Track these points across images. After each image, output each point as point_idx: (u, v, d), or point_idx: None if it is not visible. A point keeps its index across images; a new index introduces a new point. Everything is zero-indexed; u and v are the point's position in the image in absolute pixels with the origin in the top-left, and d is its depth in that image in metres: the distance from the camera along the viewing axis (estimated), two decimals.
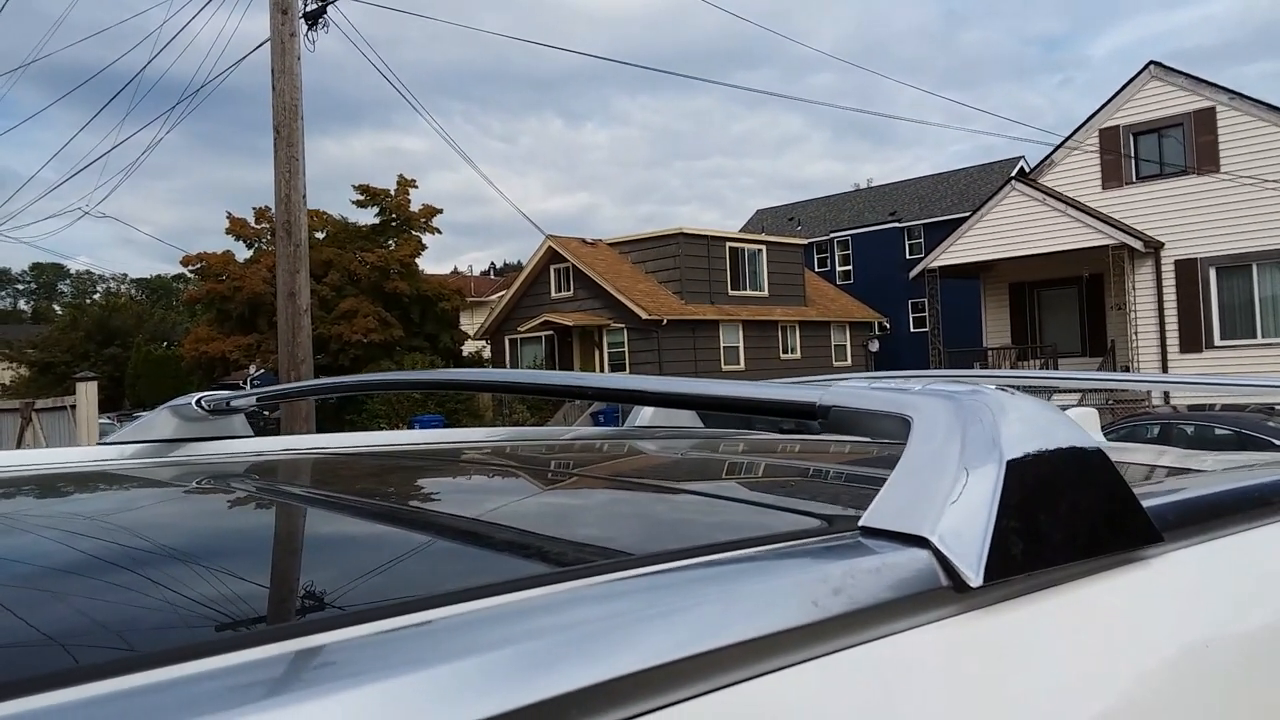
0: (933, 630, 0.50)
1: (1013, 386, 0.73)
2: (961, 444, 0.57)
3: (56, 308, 67.67)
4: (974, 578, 0.51)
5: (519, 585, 0.46)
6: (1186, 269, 18.18)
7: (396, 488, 1.06)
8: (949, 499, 0.54)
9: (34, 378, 32.62)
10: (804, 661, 0.45)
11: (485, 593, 0.45)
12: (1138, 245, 18.19)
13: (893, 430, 0.63)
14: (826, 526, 0.62)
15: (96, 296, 64.35)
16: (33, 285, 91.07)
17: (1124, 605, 0.60)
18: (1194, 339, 18.08)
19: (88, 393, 12.33)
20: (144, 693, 0.34)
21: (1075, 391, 14.81)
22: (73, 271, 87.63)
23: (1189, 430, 9.79)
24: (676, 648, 0.41)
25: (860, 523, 0.57)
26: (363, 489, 1.05)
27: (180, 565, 0.63)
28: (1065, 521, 0.57)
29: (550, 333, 25.66)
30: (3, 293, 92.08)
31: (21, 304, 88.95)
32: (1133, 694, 0.57)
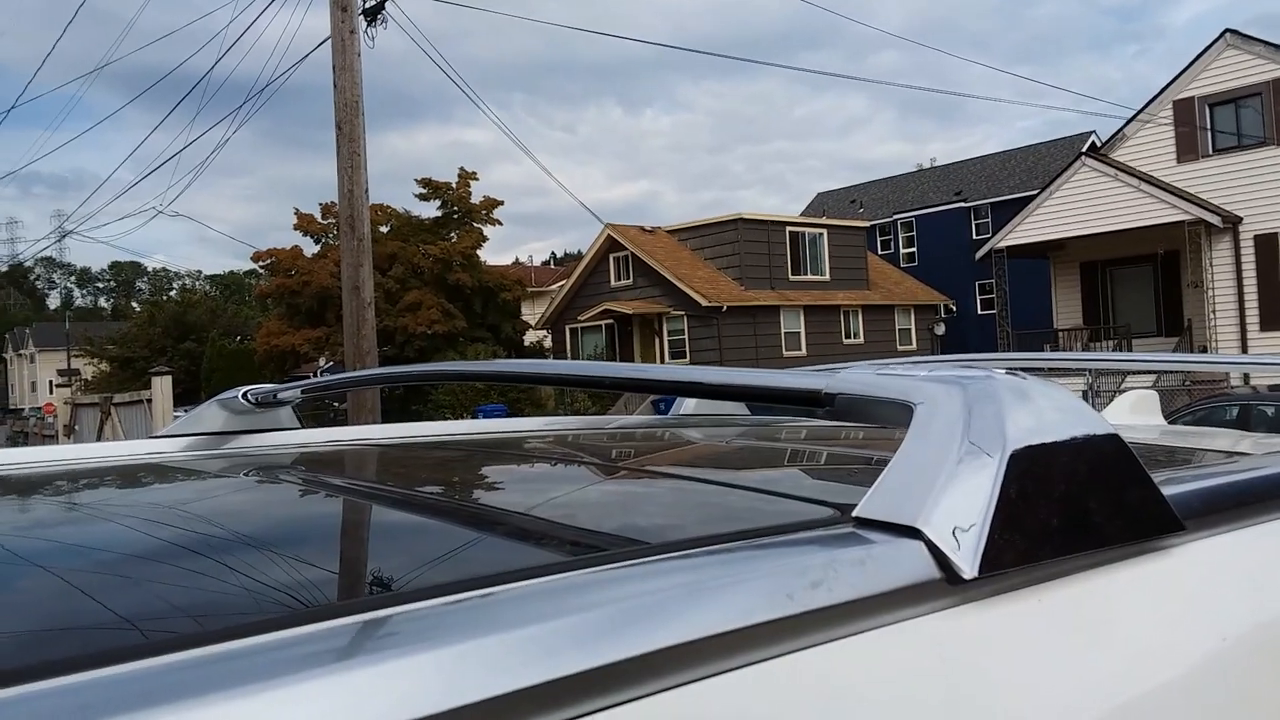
0: (922, 624, 0.49)
1: (1049, 371, 0.70)
2: (963, 432, 0.56)
3: (135, 305, 69.96)
4: (968, 570, 0.50)
5: (514, 576, 0.47)
6: (1267, 244, 17.49)
7: (438, 477, 1.09)
8: (945, 489, 0.53)
9: (114, 373, 33.75)
10: (775, 657, 0.44)
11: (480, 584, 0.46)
12: (1215, 220, 17.56)
13: (897, 417, 0.61)
14: (825, 517, 0.61)
15: (172, 293, 66.40)
16: (112, 283, 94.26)
17: (1138, 597, 0.58)
18: (1275, 316, 17.41)
19: (163, 387, 12.73)
20: (226, 658, 0.37)
21: (1152, 371, 14.35)
22: (149, 269, 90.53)
23: (1269, 411, 9.43)
24: (640, 642, 0.41)
25: (855, 513, 0.56)
26: (407, 479, 1.08)
27: (234, 552, 0.65)
28: (1073, 512, 0.55)
29: (610, 321, 25.72)
30: (84, 291, 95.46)
31: (102, 302, 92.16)
32: (1141, 688, 0.55)
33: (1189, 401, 12.12)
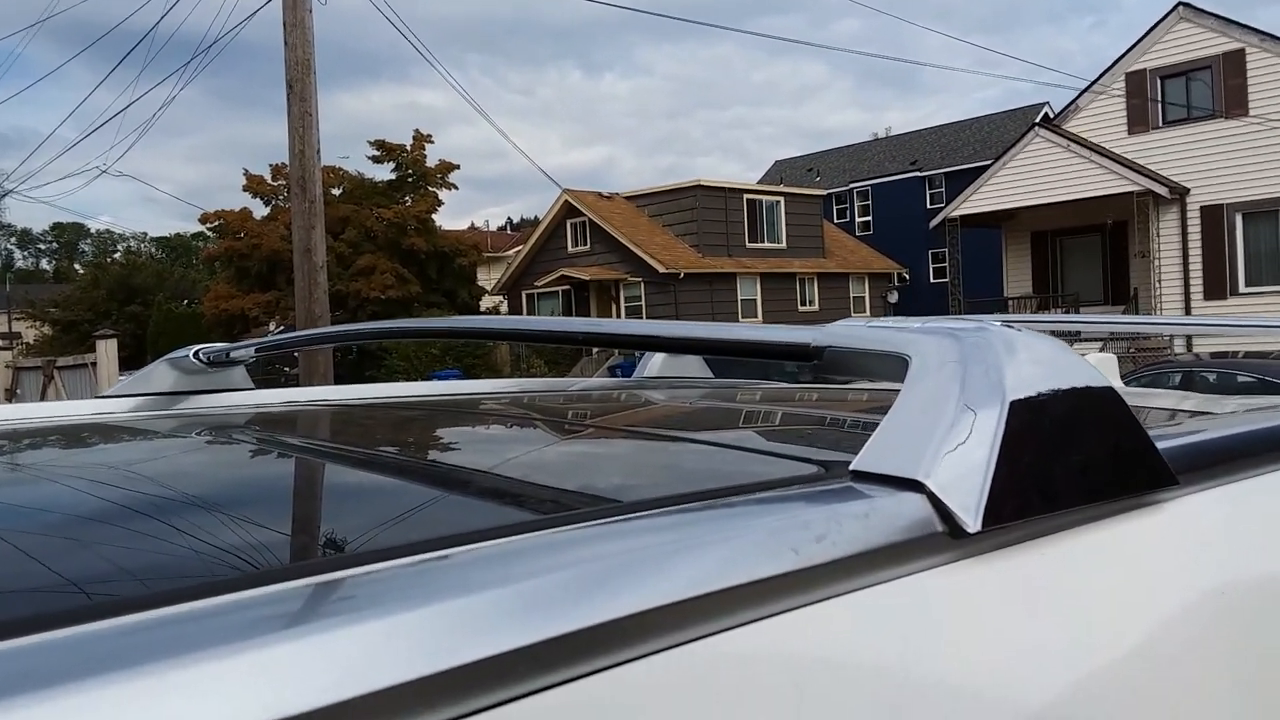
0: (926, 578, 0.48)
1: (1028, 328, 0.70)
2: (962, 383, 0.54)
3: (78, 267, 68.19)
4: (971, 523, 0.48)
5: (502, 531, 0.44)
6: (1212, 215, 17.87)
7: (394, 437, 1.06)
8: (945, 440, 0.51)
9: (57, 336, 32.93)
10: (783, 612, 0.42)
11: (463, 539, 0.43)
12: (1163, 192, 17.88)
13: (891, 370, 0.60)
14: (819, 472, 0.59)
15: (117, 255, 64.88)
16: (54, 245, 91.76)
17: (1136, 551, 0.58)
18: (1218, 286, 17.83)
19: (108, 350, 12.45)
20: (171, 622, 0.35)
21: (1097, 339, 14.67)
22: (93, 231, 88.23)
23: (1211, 378, 9.68)
24: (647, 598, 0.39)
25: (851, 466, 0.54)
26: (365, 439, 1.05)
27: (182, 513, 0.63)
28: (1072, 464, 0.54)
29: (567, 287, 25.62)
30: (25, 253, 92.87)
31: (44, 263, 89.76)
32: (1141, 643, 0.54)
33: (1133, 368, 12.40)
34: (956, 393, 0.54)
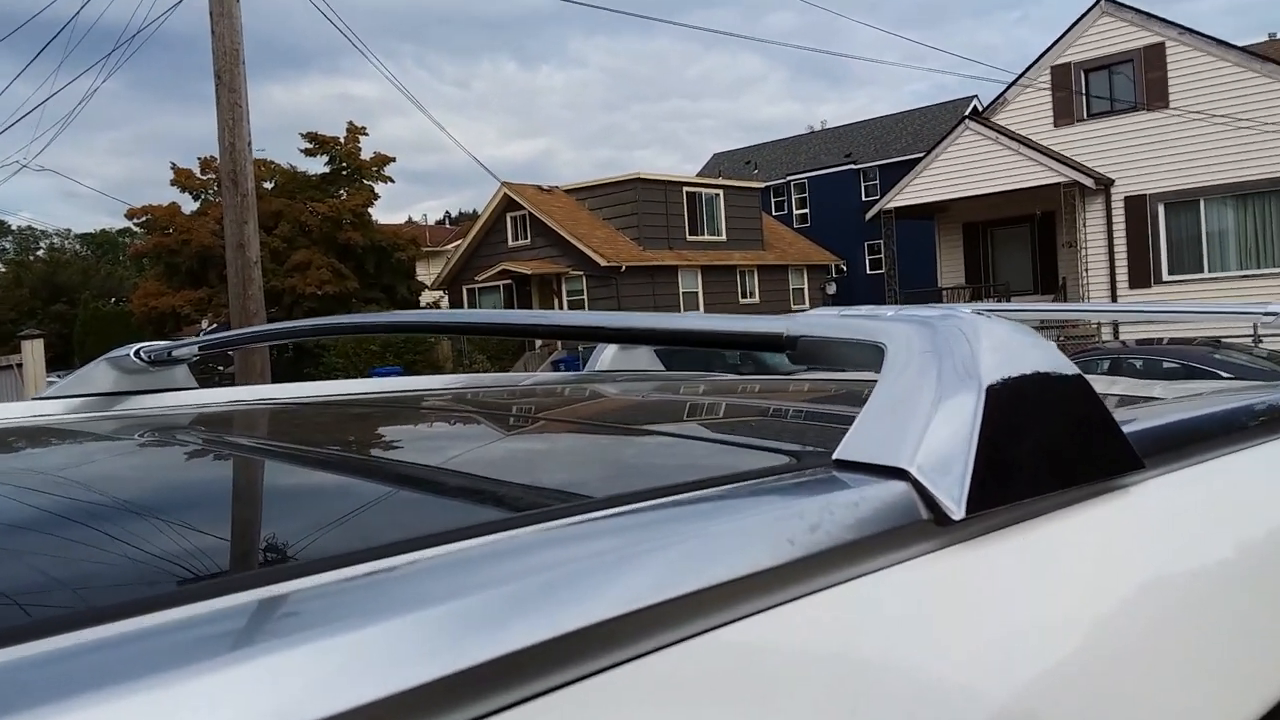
0: (915, 566, 0.48)
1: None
2: (938, 371, 0.54)
3: None
4: (956, 510, 0.49)
5: (482, 530, 0.43)
6: (1136, 205, 18.41)
7: (346, 436, 1.03)
8: (927, 428, 0.51)
9: None
10: (782, 603, 0.42)
11: (449, 538, 0.42)
12: (1089, 183, 18.36)
13: (866, 359, 0.60)
14: (798, 463, 0.59)
15: (40, 253, 62.64)
16: None
17: (1108, 534, 0.59)
18: (1143, 275, 18.38)
19: (34, 351, 12.05)
20: (102, 647, 0.32)
21: (1029, 325, 14.98)
22: (14, 227, 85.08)
23: (1138, 364, 9.98)
24: (646, 593, 0.38)
25: (835, 455, 0.54)
26: (312, 438, 1.02)
27: (127, 519, 0.60)
28: (1049, 449, 0.55)
29: (509, 282, 25.44)
30: None
31: None
32: (1117, 623, 0.55)
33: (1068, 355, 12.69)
34: (934, 380, 0.54)
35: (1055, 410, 0.56)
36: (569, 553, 0.40)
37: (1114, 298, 18.60)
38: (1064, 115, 19.09)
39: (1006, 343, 0.57)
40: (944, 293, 20.90)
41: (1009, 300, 19.82)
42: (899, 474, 0.50)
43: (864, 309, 0.66)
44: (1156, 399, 1.12)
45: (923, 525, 0.48)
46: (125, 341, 1.33)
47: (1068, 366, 0.58)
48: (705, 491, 0.50)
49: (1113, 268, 18.73)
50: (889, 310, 0.63)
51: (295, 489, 0.71)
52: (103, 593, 0.45)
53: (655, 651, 0.38)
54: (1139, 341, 12.99)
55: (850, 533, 0.46)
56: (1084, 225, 18.82)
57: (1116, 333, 16.54)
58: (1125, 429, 0.63)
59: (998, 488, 0.51)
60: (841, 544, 0.45)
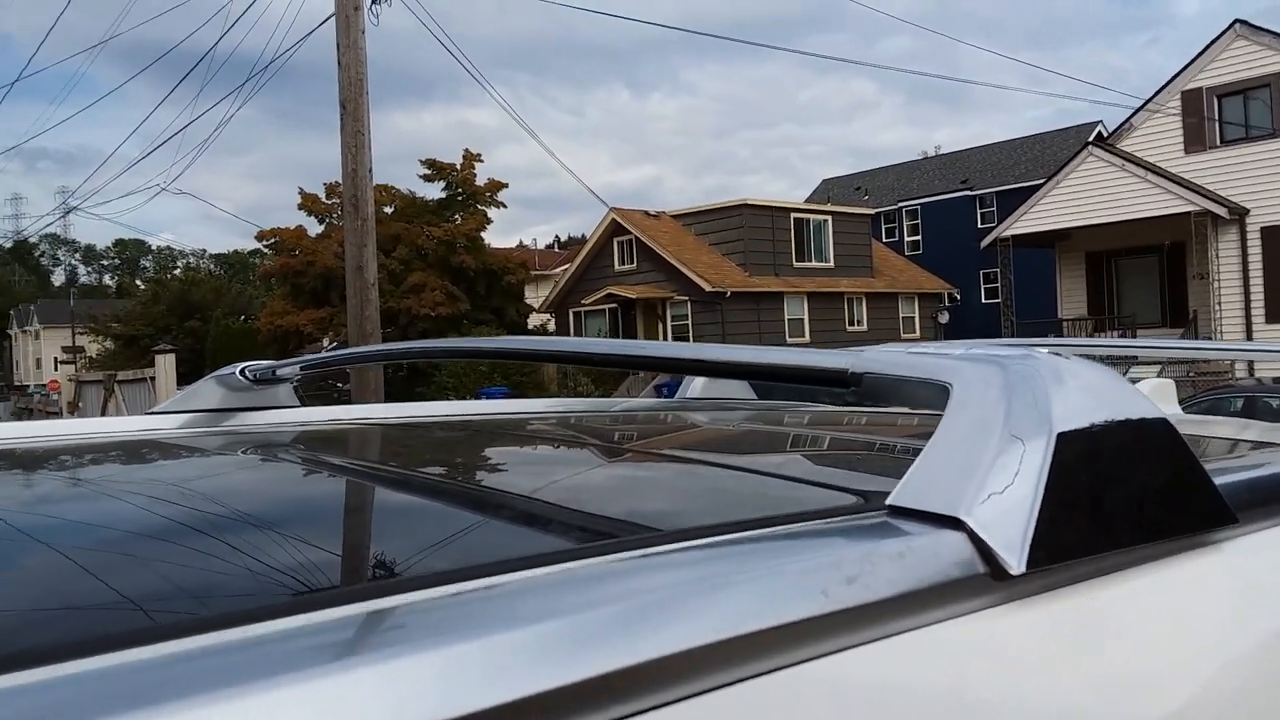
0: (966, 624, 0.45)
1: (1080, 355, 0.66)
2: (1006, 414, 0.51)
3: (139, 283, 69.94)
4: (1015, 564, 0.46)
5: (542, 560, 0.44)
6: (1273, 236, 17.40)
7: (442, 458, 1.06)
8: (988, 475, 0.48)
9: (118, 350, 33.76)
10: (809, 660, 0.40)
11: (508, 567, 0.43)
12: (1221, 212, 17.46)
13: (931, 399, 0.57)
14: (854, 504, 0.57)
15: (177, 271, 66.34)
16: (116, 261, 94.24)
17: (1190, 594, 0.55)
18: None
19: (166, 365, 12.73)
20: (218, 652, 0.34)
21: (1155, 363, 14.32)
22: (154, 247, 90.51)
23: (1275, 404, 9.39)
24: (676, 641, 0.37)
25: (888, 501, 0.51)
26: (411, 459, 1.05)
27: (223, 535, 0.62)
28: (1123, 502, 0.51)
29: (614, 305, 25.66)
30: (89, 268, 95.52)
31: (106, 279, 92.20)
32: (1195, 691, 0.51)
33: (1193, 393, 12.07)
34: (1000, 424, 0.51)
35: (1134, 458, 0.53)
36: (627, 586, 0.40)
37: (1249, 332, 17.58)
38: (1195, 142, 18.23)
39: (1082, 385, 0.54)
40: (1064, 324, 20.12)
41: (1134, 334, 18.95)
42: (954, 523, 0.47)
43: (936, 345, 0.64)
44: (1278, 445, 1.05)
45: (977, 580, 0.46)
46: (253, 356, 1.39)
47: (1151, 411, 0.55)
48: (746, 534, 0.48)
49: (1248, 301, 17.73)
50: (959, 348, 0.61)
51: (396, 508, 0.73)
52: (214, 601, 0.47)
53: (680, 701, 0.37)
54: (1276, 379, 12.22)
55: (892, 587, 0.43)
56: (1216, 256, 17.88)
57: (1252, 370, 15.61)
58: (1223, 478, 0.59)
59: (1064, 541, 0.48)
60: (881, 599, 0.42)
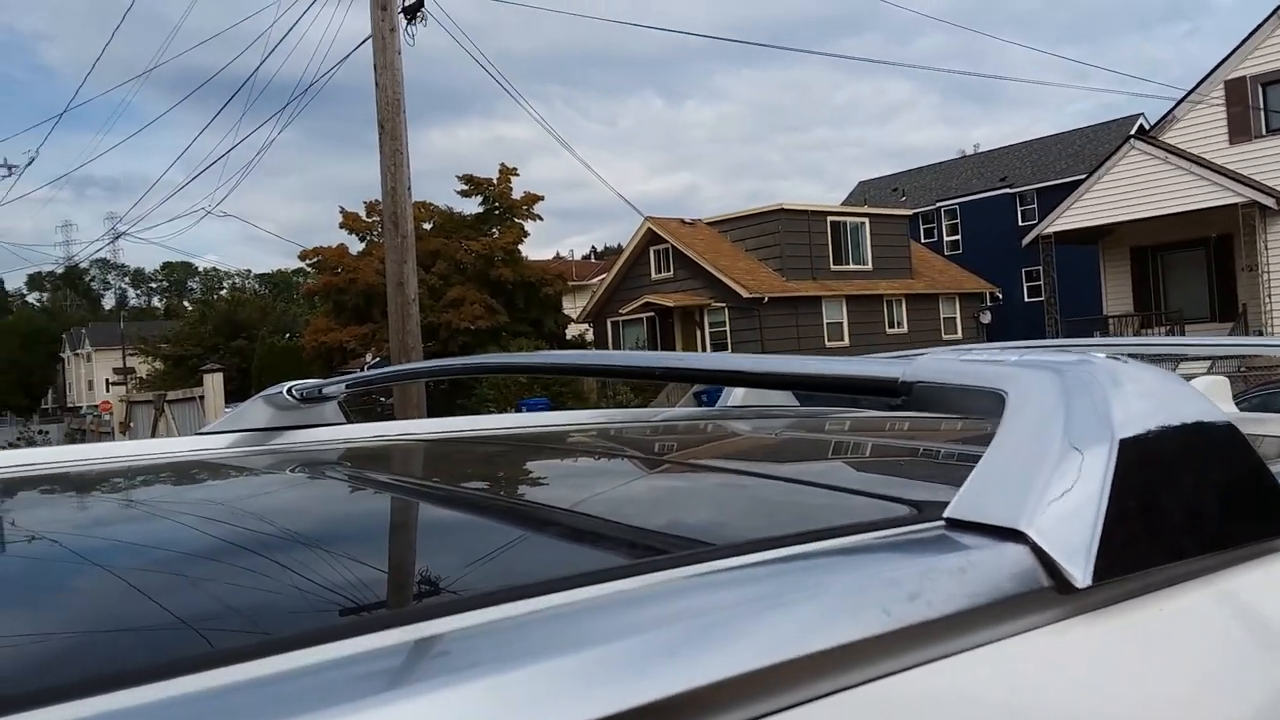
0: (1030, 639, 0.43)
1: (1131, 355, 0.65)
2: (1065, 421, 0.50)
3: (186, 304, 71.32)
4: (1080, 577, 0.44)
5: (588, 580, 0.43)
6: None
7: (485, 473, 1.06)
8: (1049, 485, 0.47)
9: (168, 371, 34.41)
10: (870, 681, 0.39)
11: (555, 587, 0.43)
12: (1269, 202, 17.07)
13: (985, 407, 0.56)
14: (909, 516, 0.56)
15: (223, 292, 67.50)
16: (164, 283, 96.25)
17: (1263, 603, 0.53)
18: None
19: (214, 384, 12.96)
20: (266, 683, 0.34)
21: (1204, 359, 14.03)
22: (200, 269, 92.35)
23: None
24: (731, 664, 0.36)
25: (945, 514, 0.50)
26: (455, 475, 1.06)
27: (273, 554, 0.63)
28: (1191, 509, 0.50)
29: (651, 314, 25.68)
30: (138, 291, 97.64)
31: (155, 301, 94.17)
32: (1271, 704, 0.49)
33: (1243, 389, 11.79)
34: (1060, 432, 0.49)
35: (1201, 465, 0.51)
36: (680, 607, 0.40)
37: None
38: (1240, 132, 17.86)
39: (1143, 389, 0.52)
40: (1110, 321, 19.78)
41: (1182, 329, 18.57)
42: (1015, 536, 0.46)
43: (988, 350, 0.62)
44: None
45: (1041, 594, 0.44)
46: (298, 374, 1.41)
47: (1214, 414, 0.53)
48: (810, 546, 0.47)
49: None
50: (1013, 353, 0.59)
51: (441, 525, 0.73)
52: (263, 624, 0.48)
53: None
54: None
55: (954, 603, 0.42)
56: (1265, 247, 17.48)
57: None
58: None
59: (1131, 553, 0.46)
60: (943, 616, 0.41)
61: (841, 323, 25.24)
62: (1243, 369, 15.48)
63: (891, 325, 26.44)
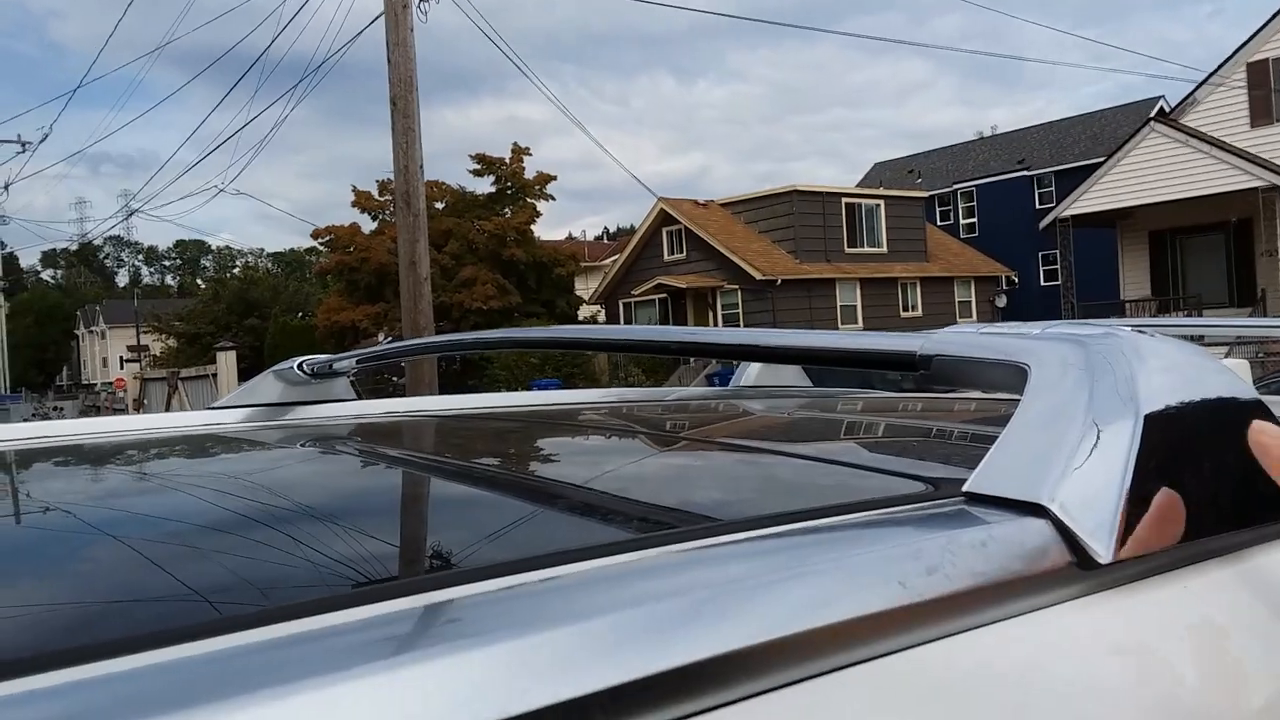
0: (1051, 615, 0.43)
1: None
2: (1089, 395, 0.49)
3: (200, 282, 71.75)
4: (1104, 553, 0.44)
5: (602, 551, 0.43)
6: None
7: (498, 448, 1.06)
8: (1072, 459, 0.46)
9: (181, 348, 34.65)
10: (888, 654, 0.39)
11: (569, 558, 0.42)
12: None
13: (1007, 381, 0.55)
14: (927, 492, 0.55)
15: (236, 271, 67.84)
16: (178, 261, 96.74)
17: None
18: None
19: (227, 361, 13.03)
20: (274, 646, 0.34)
21: (1223, 344, 13.93)
22: (214, 247, 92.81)
23: None
24: (745, 634, 0.36)
25: (965, 488, 0.49)
26: (466, 450, 1.05)
27: (285, 525, 0.63)
28: (1217, 484, 0.48)
29: (664, 295, 25.66)
30: (151, 269, 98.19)
31: (168, 279, 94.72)
32: None
33: (1262, 374, 11.71)
34: (1084, 406, 0.49)
35: (1227, 441, 0.50)
36: (679, 582, 0.39)
37: None
38: (1261, 115, 17.66)
39: (1168, 364, 0.51)
40: (1127, 305, 19.66)
41: (1200, 314, 18.44)
42: (1037, 510, 0.45)
43: (1009, 326, 0.61)
44: None
45: (1063, 569, 0.44)
46: (310, 352, 1.40)
47: (1244, 391, 0.52)
48: (819, 522, 0.47)
49: None
50: (1035, 328, 0.58)
51: (452, 499, 0.73)
52: (272, 594, 0.47)
53: (754, 697, 0.36)
54: None
55: (973, 578, 0.41)
56: None
57: None
58: None
59: (1155, 528, 0.45)
60: (963, 590, 0.41)
61: (855, 305, 25.17)
62: (1261, 354, 15.39)
63: (906, 309, 26.35)
